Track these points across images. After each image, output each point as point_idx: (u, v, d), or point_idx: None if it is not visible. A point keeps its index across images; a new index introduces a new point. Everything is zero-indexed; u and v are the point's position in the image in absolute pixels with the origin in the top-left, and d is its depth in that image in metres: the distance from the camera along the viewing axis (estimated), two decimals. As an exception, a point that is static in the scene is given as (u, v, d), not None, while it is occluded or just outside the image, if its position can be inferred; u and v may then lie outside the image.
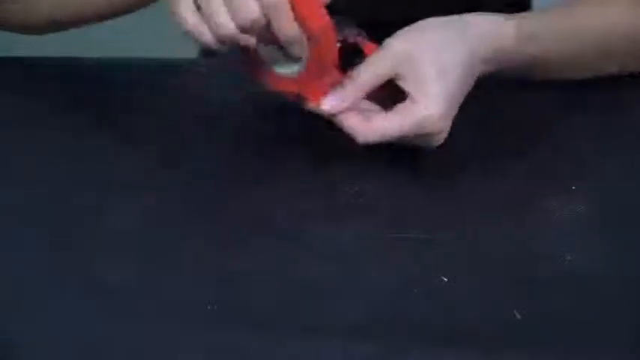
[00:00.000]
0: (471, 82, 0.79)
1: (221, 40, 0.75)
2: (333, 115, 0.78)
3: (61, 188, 0.81)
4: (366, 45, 0.80)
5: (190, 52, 1.13)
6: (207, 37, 0.75)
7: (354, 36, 0.81)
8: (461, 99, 0.78)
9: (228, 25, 0.74)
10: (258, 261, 0.73)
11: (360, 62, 0.79)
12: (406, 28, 0.79)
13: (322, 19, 0.76)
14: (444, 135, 0.78)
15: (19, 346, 0.67)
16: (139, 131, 0.87)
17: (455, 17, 0.80)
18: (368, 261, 0.73)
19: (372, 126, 0.77)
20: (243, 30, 0.74)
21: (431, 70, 0.77)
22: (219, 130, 0.87)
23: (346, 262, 0.72)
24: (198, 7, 0.75)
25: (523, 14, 0.83)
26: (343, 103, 0.77)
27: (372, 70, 0.78)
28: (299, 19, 0.75)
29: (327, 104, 0.78)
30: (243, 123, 0.87)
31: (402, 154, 0.82)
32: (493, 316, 0.67)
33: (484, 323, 0.67)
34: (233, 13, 0.74)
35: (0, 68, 0.97)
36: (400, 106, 0.77)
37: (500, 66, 0.81)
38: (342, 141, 0.84)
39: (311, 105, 0.79)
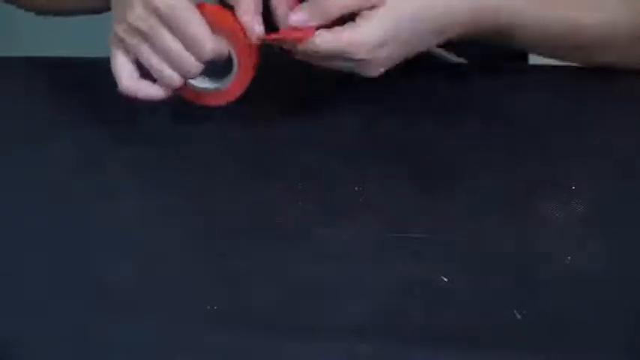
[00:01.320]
0: (434, 39, 0.80)
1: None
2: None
3: (61, 188, 0.81)
4: None
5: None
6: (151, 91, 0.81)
7: None
8: (410, 47, 0.80)
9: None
10: (258, 261, 0.73)
11: None
12: None
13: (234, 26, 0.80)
14: (379, 68, 0.79)
15: (19, 346, 0.67)
16: (139, 131, 0.87)
17: None
18: (368, 261, 0.73)
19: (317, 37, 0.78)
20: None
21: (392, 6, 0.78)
22: (219, 129, 0.87)
23: (346, 262, 0.72)
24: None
25: None
26: (310, 21, 0.78)
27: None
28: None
29: (293, 17, 0.78)
30: (243, 123, 0.87)
31: (402, 154, 0.82)
32: (493, 316, 0.67)
33: (484, 323, 0.67)
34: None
35: (1, 68, 0.97)
36: (338, 28, 0.78)
37: (477, 32, 0.82)
38: (343, 141, 0.84)
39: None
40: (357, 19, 0.78)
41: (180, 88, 0.82)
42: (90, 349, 0.67)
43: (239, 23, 0.80)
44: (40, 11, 1.00)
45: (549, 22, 0.85)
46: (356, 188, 0.79)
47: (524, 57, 1.07)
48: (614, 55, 0.88)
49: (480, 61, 0.95)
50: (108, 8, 0.88)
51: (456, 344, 0.65)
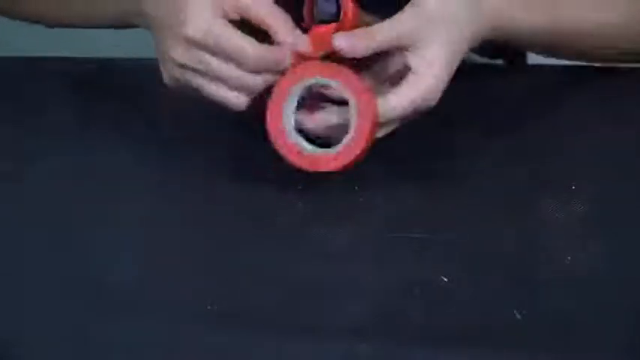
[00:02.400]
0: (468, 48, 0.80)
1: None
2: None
3: (61, 188, 0.81)
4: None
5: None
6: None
7: None
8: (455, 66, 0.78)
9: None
10: (258, 261, 0.73)
11: None
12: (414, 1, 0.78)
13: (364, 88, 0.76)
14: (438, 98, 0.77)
15: (19, 346, 0.67)
16: (139, 130, 0.87)
17: None
18: (368, 261, 0.73)
19: (388, 102, 0.76)
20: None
21: (441, 50, 0.76)
22: (219, 129, 0.86)
23: (346, 262, 0.72)
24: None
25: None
26: (355, 47, 0.76)
27: (392, 29, 0.76)
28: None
29: (338, 40, 0.76)
30: (243, 122, 0.87)
31: (402, 154, 0.82)
32: (493, 316, 0.67)
33: (484, 323, 0.67)
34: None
35: (2, 68, 0.97)
36: (405, 80, 0.76)
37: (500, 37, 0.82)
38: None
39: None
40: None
41: (292, 155, 0.77)
42: (90, 349, 0.67)
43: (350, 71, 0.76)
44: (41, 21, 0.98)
45: (548, 23, 0.85)
46: (356, 188, 0.79)
47: (522, 56, 1.08)
48: (614, 54, 0.88)
49: (479, 62, 0.95)
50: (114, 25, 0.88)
51: (456, 344, 0.65)
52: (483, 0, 0.80)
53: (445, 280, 0.70)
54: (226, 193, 0.80)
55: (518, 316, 0.67)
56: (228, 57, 0.76)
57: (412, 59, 0.76)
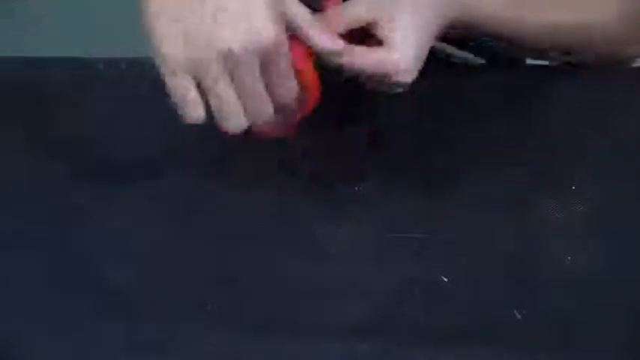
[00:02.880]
0: (439, 25, 0.79)
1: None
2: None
3: (61, 188, 0.81)
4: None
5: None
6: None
7: None
8: (429, 41, 0.78)
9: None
10: (258, 261, 0.73)
11: None
12: None
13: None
14: (410, 79, 0.77)
15: (19, 345, 0.67)
16: (139, 130, 0.87)
17: None
18: (368, 261, 0.73)
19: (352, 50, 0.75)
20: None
21: (406, 11, 0.76)
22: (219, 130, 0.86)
23: (346, 262, 0.72)
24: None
25: None
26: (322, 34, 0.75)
27: (350, 11, 0.76)
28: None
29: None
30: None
31: (402, 154, 0.82)
32: (493, 316, 0.67)
33: (484, 323, 0.67)
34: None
35: (4, 68, 0.97)
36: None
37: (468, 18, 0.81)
38: (343, 140, 0.84)
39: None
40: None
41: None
42: (90, 349, 0.67)
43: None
44: None
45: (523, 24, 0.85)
46: (356, 188, 0.79)
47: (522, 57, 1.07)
48: (591, 55, 0.89)
49: (479, 63, 0.95)
50: None
51: (455, 344, 0.65)
52: None
53: (445, 280, 0.70)
54: (226, 193, 0.80)
55: (518, 316, 0.67)
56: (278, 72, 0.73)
57: (379, 31, 0.76)
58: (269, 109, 0.72)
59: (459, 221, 0.76)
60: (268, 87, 0.71)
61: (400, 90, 0.78)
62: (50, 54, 0.98)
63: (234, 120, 0.72)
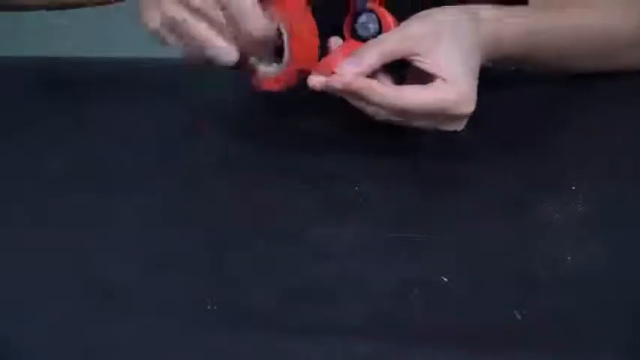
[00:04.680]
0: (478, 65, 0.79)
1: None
2: (345, 85, 0.76)
3: (61, 188, 0.81)
4: (385, 15, 0.79)
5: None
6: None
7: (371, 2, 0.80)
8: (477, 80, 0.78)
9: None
10: (258, 261, 0.73)
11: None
12: (419, 14, 0.79)
13: (294, 4, 0.76)
14: (467, 117, 0.77)
15: (19, 346, 0.67)
16: (139, 131, 0.87)
17: (462, 7, 0.81)
18: (368, 261, 0.73)
19: (404, 94, 0.76)
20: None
21: (453, 50, 0.77)
22: (219, 129, 0.87)
23: (346, 262, 0.72)
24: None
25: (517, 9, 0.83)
26: (358, 67, 0.76)
27: (392, 42, 0.77)
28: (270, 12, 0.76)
29: (342, 69, 0.76)
30: (243, 122, 0.87)
31: (402, 155, 0.82)
32: (493, 316, 0.67)
33: (484, 323, 0.67)
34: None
35: (3, 67, 0.97)
36: (433, 83, 0.76)
37: (493, 56, 0.81)
38: (343, 141, 0.84)
39: (318, 80, 0.77)
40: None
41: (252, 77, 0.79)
42: (90, 349, 0.67)
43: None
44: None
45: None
46: (356, 188, 0.79)
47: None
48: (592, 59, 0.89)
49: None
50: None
51: (455, 344, 0.65)
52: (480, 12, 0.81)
53: (445, 280, 0.70)
54: (226, 193, 0.80)
55: (518, 316, 0.67)
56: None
57: (427, 66, 0.77)
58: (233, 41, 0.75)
59: (459, 221, 0.76)
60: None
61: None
62: (50, 54, 0.98)
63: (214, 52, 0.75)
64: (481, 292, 0.69)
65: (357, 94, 0.76)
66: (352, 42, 0.80)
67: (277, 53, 0.78)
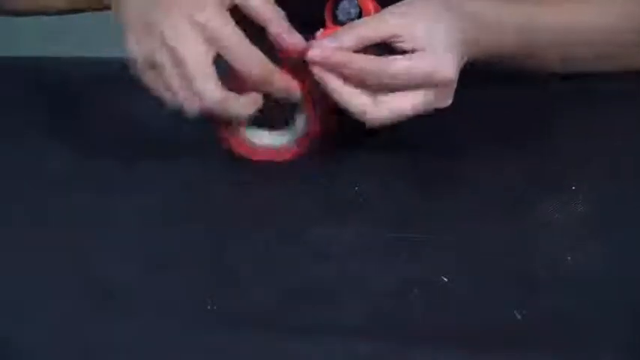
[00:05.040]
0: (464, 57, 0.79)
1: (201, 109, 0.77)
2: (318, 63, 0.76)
3: (61, 188, 0.81)
4: (366, 1, 0.80)
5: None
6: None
7: None
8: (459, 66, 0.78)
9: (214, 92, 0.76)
10: (258, 261, 0.73)
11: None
12: (398, 4, 0.79)
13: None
14: (452, 91, 0.78)
15: (19, 346, 0.67)
16: (139, 131, 0.87)
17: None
18: (368, 261, 0.73)
19: (382, 61, 0.76)
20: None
21: (431, 27, 0.77)
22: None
23: (346, 262, 0.72)
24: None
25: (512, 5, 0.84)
26: (335, 44, 0.76)
27: (371, 25, 0.77)
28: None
29: (321, 44, 0.76)
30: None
31: (402, 154, 0.82)
32: (493, 316, 0.67)
33: (484, 323, 0.67)
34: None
35: (3, 67, 0.97)
36: (412, 54, 0.77)
37: (486, 51, 0.81)
38: (343, 141, 0.84)
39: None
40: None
41: (234, 144, 0.81)
42: (90, 349, 0.67)
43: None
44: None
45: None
46: (356, 188, 0.79)
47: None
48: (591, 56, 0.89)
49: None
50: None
51: (455, 344, 0.65)
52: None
53: (445, 280, 0.70)
54: (226, 192, 0.80)
55: (519, 316, 0.67)
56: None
57: (403, 45, 0.77)
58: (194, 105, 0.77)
59: (459, 221, 0.76)
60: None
61: None
62: (46, 53, 0.98)
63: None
64: (481, 292, 0.69)
65: (336, 69, 0.76)
66: (332, 27, 0.80)
67: (273, 122, 0.80)
